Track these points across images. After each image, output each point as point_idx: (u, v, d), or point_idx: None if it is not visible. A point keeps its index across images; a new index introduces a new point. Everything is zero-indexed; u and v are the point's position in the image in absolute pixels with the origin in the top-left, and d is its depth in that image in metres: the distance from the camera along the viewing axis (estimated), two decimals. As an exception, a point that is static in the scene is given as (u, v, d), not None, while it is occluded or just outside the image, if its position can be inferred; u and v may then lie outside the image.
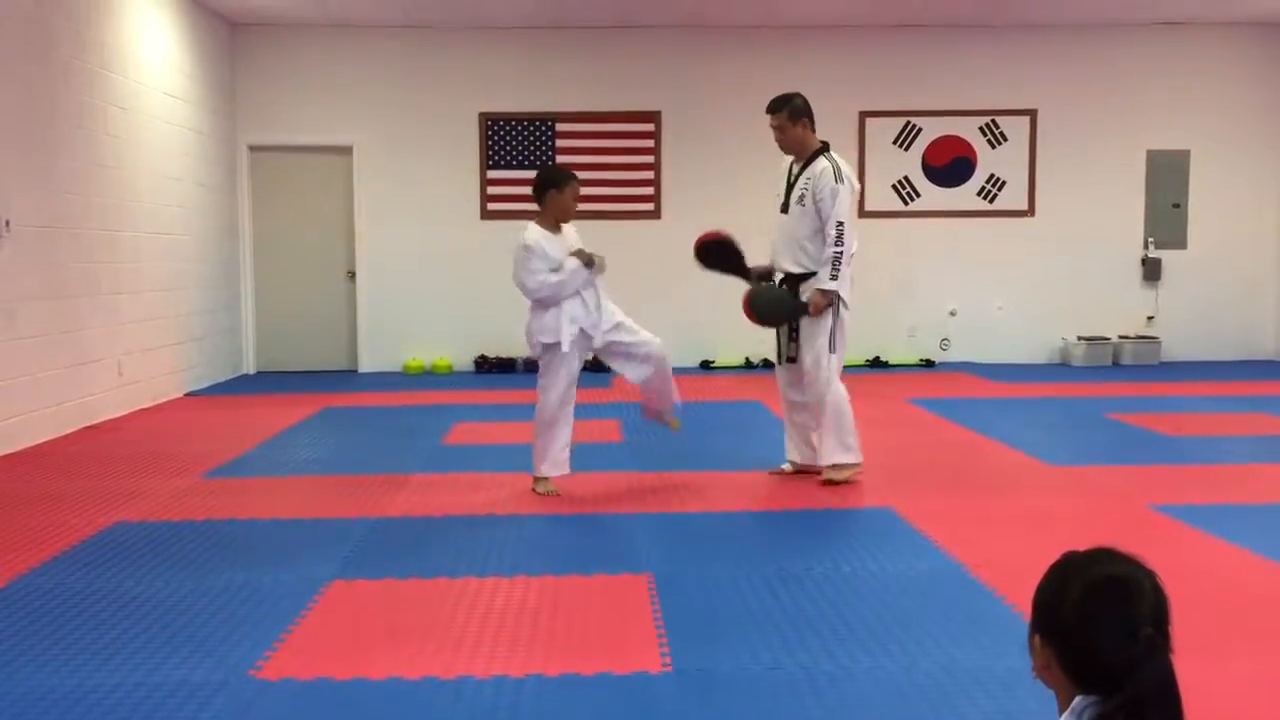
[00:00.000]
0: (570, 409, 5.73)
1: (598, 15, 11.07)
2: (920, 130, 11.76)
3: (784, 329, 5.96)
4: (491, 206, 11.59)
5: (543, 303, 5.61)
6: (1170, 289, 11.93)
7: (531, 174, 11.58)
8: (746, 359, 11.59)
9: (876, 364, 11.59)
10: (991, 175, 11.85)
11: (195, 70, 10.26)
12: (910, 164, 11.82)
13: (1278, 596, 4.07)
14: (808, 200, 5.76)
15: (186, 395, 9.75)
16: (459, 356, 11.67)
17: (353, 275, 11.65)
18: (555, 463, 5.72)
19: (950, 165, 11.78)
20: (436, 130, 11.52)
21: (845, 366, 5.96)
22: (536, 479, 5.77)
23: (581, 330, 5.64)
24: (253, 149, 11.45)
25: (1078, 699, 1.58)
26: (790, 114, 5.87)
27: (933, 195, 11.82)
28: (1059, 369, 11.50)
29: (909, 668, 3.35)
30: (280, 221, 11.57)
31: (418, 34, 11.43)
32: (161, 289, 9.36)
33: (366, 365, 11.66)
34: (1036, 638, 1.66)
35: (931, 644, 3.54)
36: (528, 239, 5.60)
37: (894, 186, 11.78)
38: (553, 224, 5.69)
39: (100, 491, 5.86)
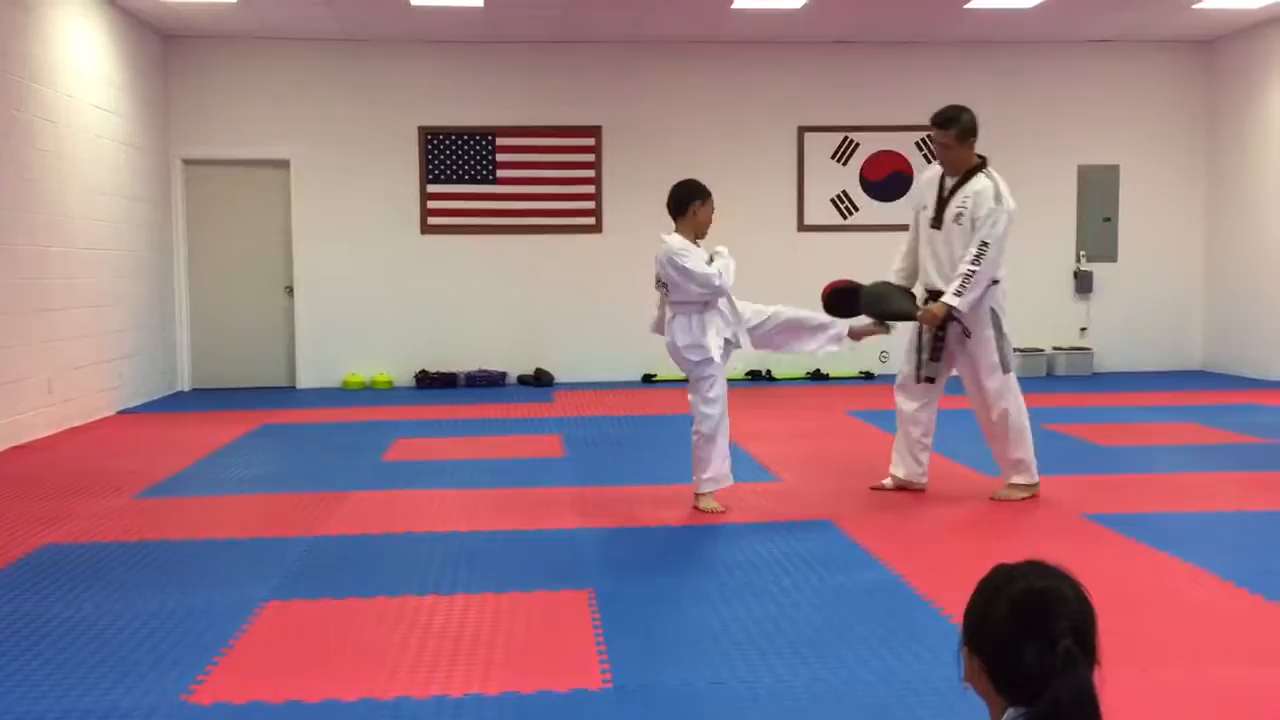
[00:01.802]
0: (727, 420, 5.64)
1: (537, 30, 11.06)
2: (858, 145, 11.89)
3: (924, 348, 5.71)
4: (432, 220, 11.54)
5: (719, 292, 5.48)
6: (1102, 301, 12.16)
7: (473, 188, 11.82)
8: (688, 372, 11.60)
9: (817, 376, 11.67)
10: (928, 189, 11.99)
11: (127, 83, 10.10)
12: (848, 178, 11.95)
13: (1208, 603, 4.15)
14: (965, 219, 5.58)
15: (119, 413, 9.57)
16: (399, 372, 11.58)
17: (290, 290, 11.52)
18: (719, 476, 5.63)
19: (887, 180, 11.92)
20: (375, 144, 11.45)
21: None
22: (700, 496, 5.63)
23: (726, 340, 5.59)
24: (187, 162, 11.29)
25: (1009, 711, 1.61)
26: (959, 134, 5.67)
27: (870, 209, 11.95)
28: (995, 380, 11.64)
29: (849, 679, 3.37)
30: (216, 236, 11.41)
31: (355, 47, 11.35)
32: (93, 305, 9.19)
33: (305, 381, 11.52)
34: (965, 650, 1.69)
35: (870, 655, 3.56)
36: (678, 244, 5.51)
37: (832, 201, 11.90)
38: (691, 237, 5.65)
39: (29, 513, 5.73)
